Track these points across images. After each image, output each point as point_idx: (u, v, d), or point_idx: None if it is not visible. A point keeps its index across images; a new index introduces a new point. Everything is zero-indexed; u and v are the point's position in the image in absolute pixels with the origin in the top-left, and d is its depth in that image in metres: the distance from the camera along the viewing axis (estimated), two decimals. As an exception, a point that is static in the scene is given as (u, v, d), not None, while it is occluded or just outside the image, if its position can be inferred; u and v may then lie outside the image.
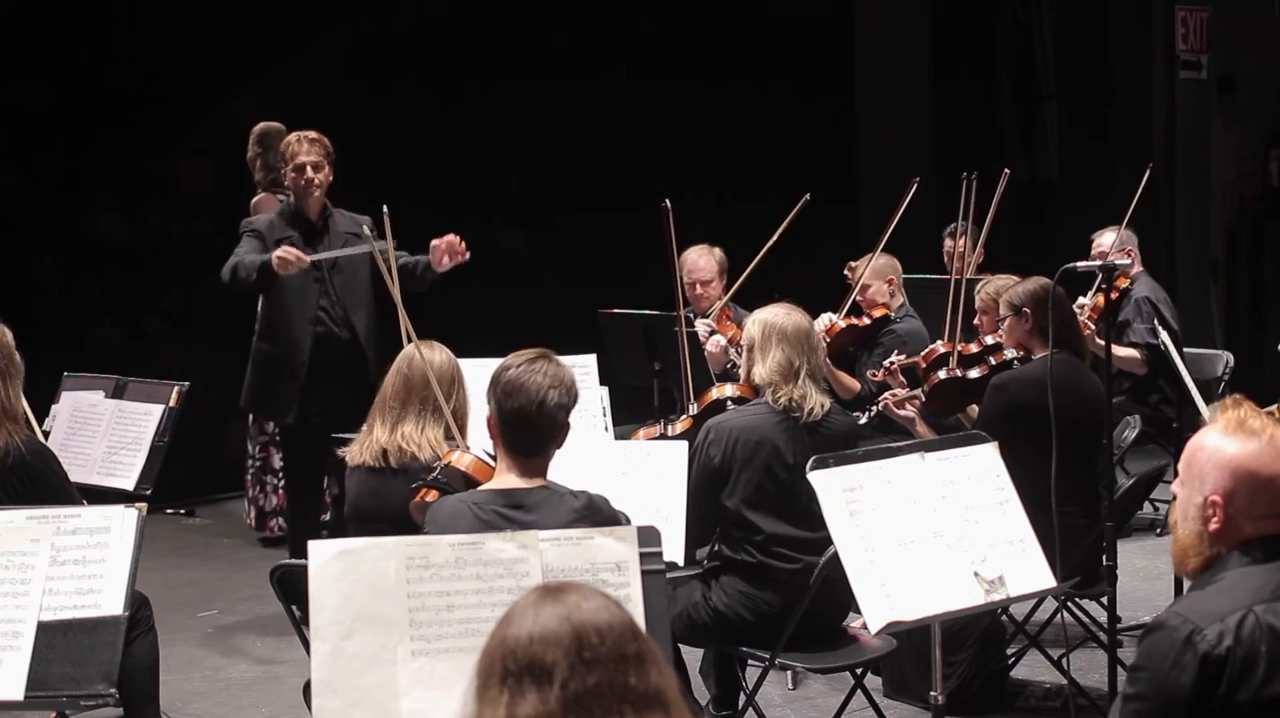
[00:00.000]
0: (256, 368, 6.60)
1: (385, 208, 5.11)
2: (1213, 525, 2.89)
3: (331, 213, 6.50)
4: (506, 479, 3.77)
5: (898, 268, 7.04)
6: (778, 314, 4.91)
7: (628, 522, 3.87)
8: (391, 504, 4.45)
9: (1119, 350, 7.41)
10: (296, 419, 6.48)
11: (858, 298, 6.89)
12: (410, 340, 4.57)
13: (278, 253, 6.14)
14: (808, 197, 6.64)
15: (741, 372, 5.15)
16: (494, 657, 2.21)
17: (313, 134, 6.45)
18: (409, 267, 6.28)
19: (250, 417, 7.77)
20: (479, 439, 4.64)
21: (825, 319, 6.57)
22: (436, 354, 4.62)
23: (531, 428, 3.73)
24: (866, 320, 6.87)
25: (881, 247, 6.85)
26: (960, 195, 6.67)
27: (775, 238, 6.62)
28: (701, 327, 6.56)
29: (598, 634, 2.20)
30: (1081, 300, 7.25)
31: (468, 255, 6.32)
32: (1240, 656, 2.74)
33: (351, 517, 4.63)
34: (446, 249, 6.30)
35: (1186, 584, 3.02)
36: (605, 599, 2.26)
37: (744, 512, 4.74)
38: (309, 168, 6.38)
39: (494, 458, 3.90)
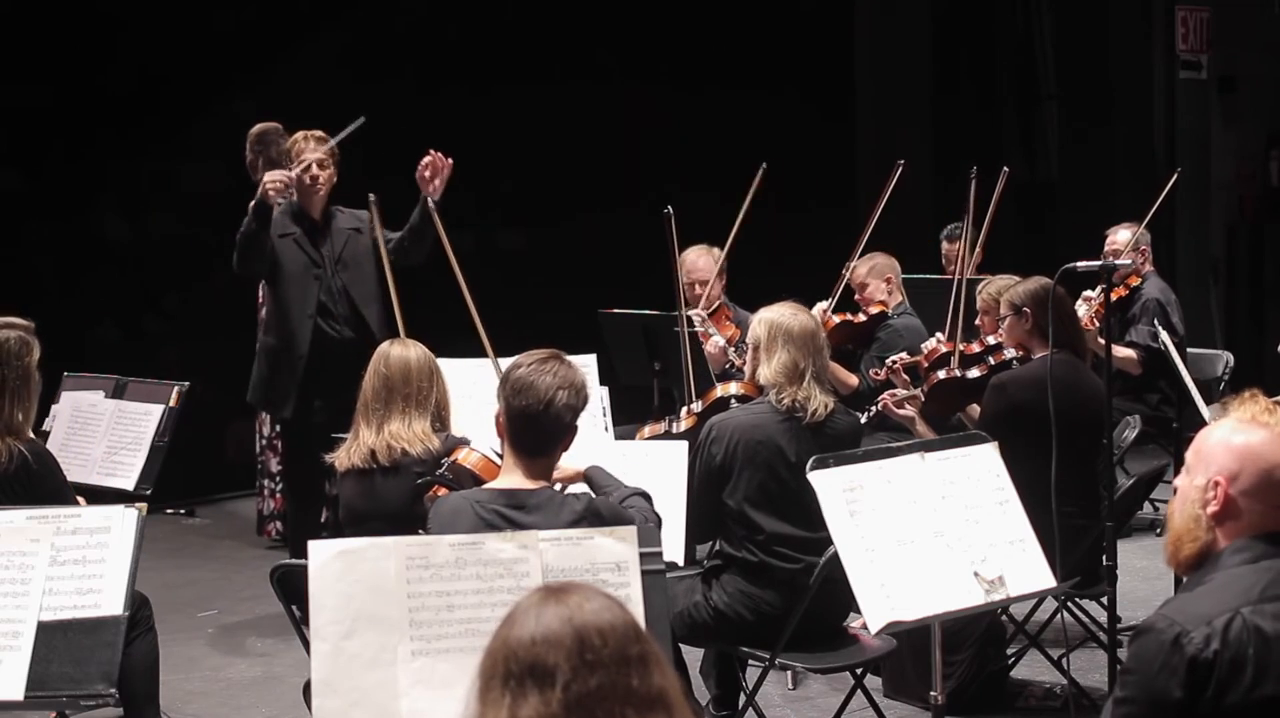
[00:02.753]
0: (260, 362, 6.62)
1: (372, 196, 5.08)
2: (1211, 508, 2.88)
3: (333, 211, 6.52)
4: (511, 479, 3.78)
5: (896, 267, 7.06)
6: (784, 315, 4.88)
7: (659, 520, 3.90)
8: (385, 503, 4.47)
9: (1117, 350, 7.40)
10: (293, 414, 6.48)
11: (856, 297, 6.91)
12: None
13: (265, 180, 6.18)
14: (765, 165, 6.63)
15: (746, 370, 5.13)
16: (496, 658, 2.21)
17: (319, 133, 6.46)
18: (401, 241, 6.31)
19: (256, 418, 7.78)
20: (461, 428, 4.69)
21: (818, 309, 6.56)
22: (411, 350, 4.66)
23: (537, 428, 3.74)
24: (863, 317, 6.89)
25: (868, 234, 6.85)
26: (961, 191, 6.66)
27: (742, 213, 6.63)
28: (695, 318, 6.56)
29: (600, 636, 2.20)
30: (1088, 293, 7.24)
31: (450, 162, 6.24)
32: (1227, 658, 2.73)
33: (346, 520, 4.63)
34: (430, 169, 6.22)
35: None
36: (608, 600, 2.26)
37: (745, 510, 4.74)
38: (315, 166, 6.40)
39: (502, 457, 3.91)
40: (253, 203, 6.23)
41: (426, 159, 6.23)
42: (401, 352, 4.64)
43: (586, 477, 4.05)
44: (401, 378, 4.59)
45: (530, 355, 3.82)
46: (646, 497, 4.02)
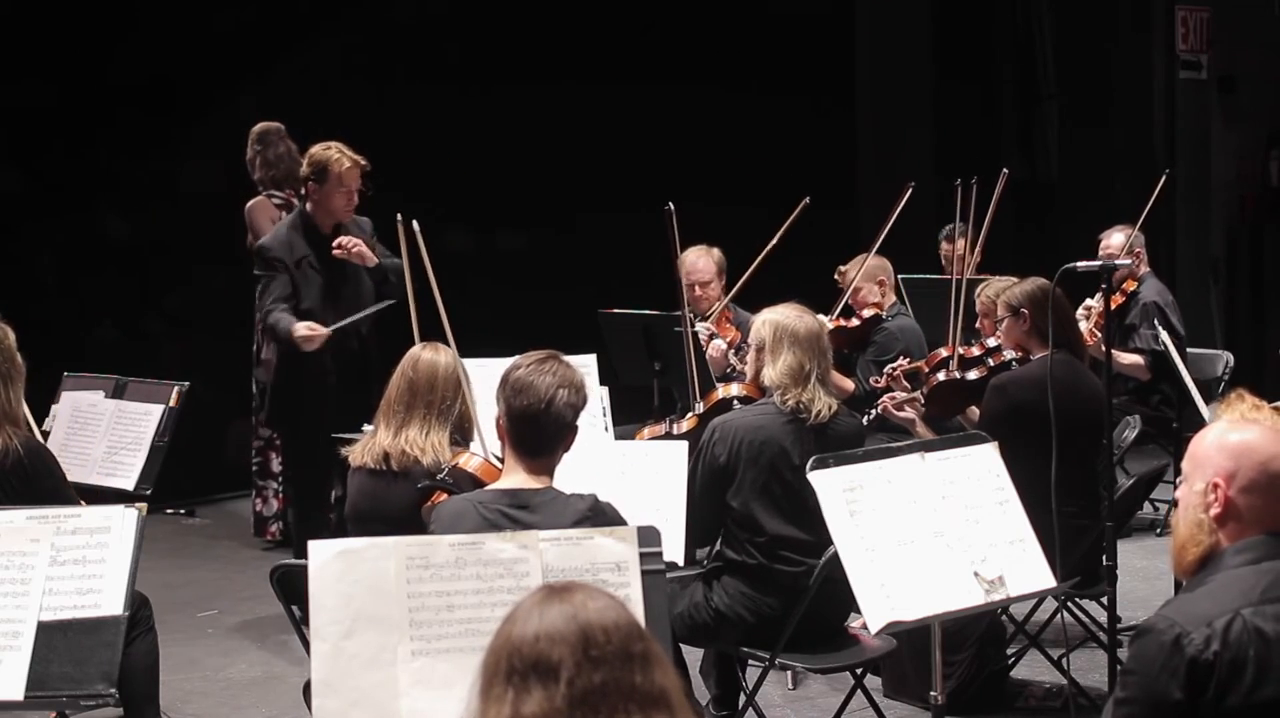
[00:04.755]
0: (281, 382, 6.60)
1: (416, 223, 4.98)
2: (1214, 511, 2.87)
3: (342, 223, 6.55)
4: (513, 479, 3.78)
5: (888, 268, 7.06)
6: (789, 316, 4.89)
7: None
8: (390, 507, 4.45)
9: (1123, 357, 7.41)
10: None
11: (849, 300, 6.91)
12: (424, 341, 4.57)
13: (299, 333, 6.28)
14: (807, 200, 6.66)
15: (749, 371, 5.12)
16: (499, 655, 2.21)
17: (361, 159, 6.47)
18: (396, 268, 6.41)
19: (255, 418, 7.77)
20: (485, 438, 4.65)
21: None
22: (441, 356, 4.59)
23: (538, 427, 3.75)
24: (857, 321, 6.89)
25: (876, 248, 6.87)
26: (957, 202, 6.68)
27: (775, 241, 6.64)
28: (702, 329, 6.55)
29: (604, 633, 2.20)
30: (1089, 302, 7.22)
31: (355, 247, 6.46)
32: (1228, 659, 2.72)
33: (350, 517, 4.64)
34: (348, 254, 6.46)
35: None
36: (611, 599, 2.27)
37: (749, 511, 4.74)
38: (356, 194, 6.48)
39: (502, 461, 3.91)
40: (288, 334, 6.31)
41: (337, 251, 6.44)
42: (431, 357, 4.56)
43: None
44: (427, 384, 4.52)
45: (529, 356, 3.83)
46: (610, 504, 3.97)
